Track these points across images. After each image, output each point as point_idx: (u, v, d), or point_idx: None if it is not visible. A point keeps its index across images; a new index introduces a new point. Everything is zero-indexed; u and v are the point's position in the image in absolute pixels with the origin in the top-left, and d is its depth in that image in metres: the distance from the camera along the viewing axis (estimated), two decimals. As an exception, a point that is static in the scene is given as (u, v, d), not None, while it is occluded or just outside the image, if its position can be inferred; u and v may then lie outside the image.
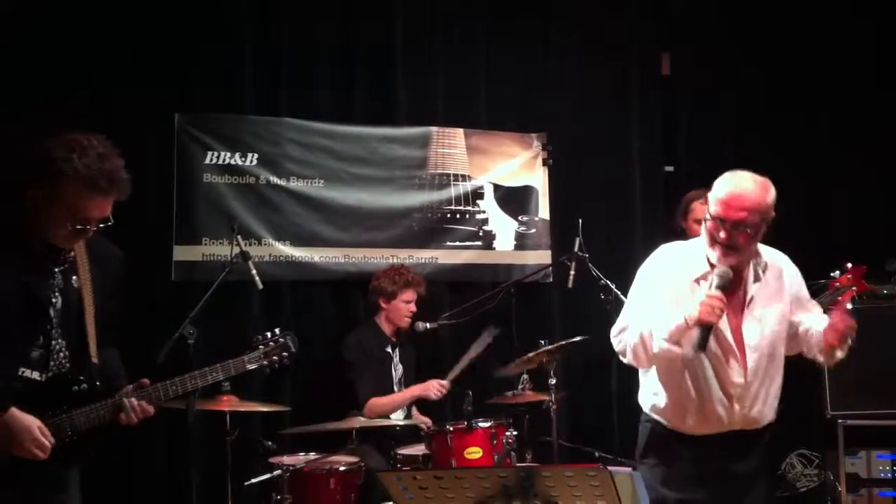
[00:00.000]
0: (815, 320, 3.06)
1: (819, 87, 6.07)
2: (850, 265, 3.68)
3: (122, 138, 2.83)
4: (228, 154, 5.15)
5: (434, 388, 4.81)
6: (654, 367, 3.09)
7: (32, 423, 2.63)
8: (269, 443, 4.37)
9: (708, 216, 2.93)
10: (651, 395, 3.13)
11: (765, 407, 3.03)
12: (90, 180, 2.66)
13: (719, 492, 2.99)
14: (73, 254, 2.81)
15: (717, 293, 2.82)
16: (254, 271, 4.38)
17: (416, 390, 4.88)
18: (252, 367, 3.11)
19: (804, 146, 6.04)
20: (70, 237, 2.74)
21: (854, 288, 3.63)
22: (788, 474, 5.52)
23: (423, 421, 4.87)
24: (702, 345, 2.84)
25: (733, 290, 2.96)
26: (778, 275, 3.07)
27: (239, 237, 4.58)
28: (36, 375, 2.72)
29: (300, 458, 4.25)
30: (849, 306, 3.06)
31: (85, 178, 2.65)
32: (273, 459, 4.21)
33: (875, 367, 4.88)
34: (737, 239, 2.87)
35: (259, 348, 3.13)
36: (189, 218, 5.05)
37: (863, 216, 5.87)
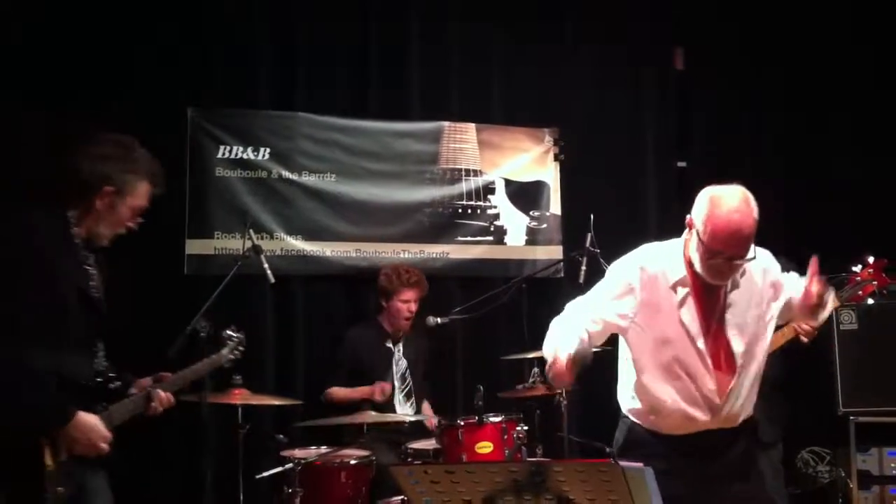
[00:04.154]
0: (792, 288, 3.04)
1: (836, 82, 6.00)
2: (871, 259, 3.66)
3: (135, 133, 2.87)
4: (241, 148, 5.17)
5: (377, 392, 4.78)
6: (632, 371, 3.14)
7: (94, 419, 2.73)
8: (281, 436, 4.38)
9: (700, 244, 2.87)
10: (629, 398, 3.18)
11: (745, 403, 3.06)
12: (150, 174, 2.86)
13: (697, 488, 3.01)
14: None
15: (568, 368, 2.75)
16: (266, 265, 4.40)
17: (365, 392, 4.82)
18: (228, 364, 3.45)
19: (820, 141, 5.98)
20: (121, 232, 2.89)
21: (875, 282, 3.61)
22: (800, 471, 5.51)
23: (429, 417, 4.87)
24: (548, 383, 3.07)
25: (712, 298, 2.97)
26: (752, 274, 3.06)
27: (251, 231, 4.60)
28: None
29: (312, 452, 4.27)
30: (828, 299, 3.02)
31: (146, 172, 2.84)
32: (285, 453, 4.23)
33: (887, 363, 4.86)
34: (736, 266, 2.89)
35: (228, 343, 3.44)
36: (202, 212, 5.08)
37: (885, 211, 5.78)
